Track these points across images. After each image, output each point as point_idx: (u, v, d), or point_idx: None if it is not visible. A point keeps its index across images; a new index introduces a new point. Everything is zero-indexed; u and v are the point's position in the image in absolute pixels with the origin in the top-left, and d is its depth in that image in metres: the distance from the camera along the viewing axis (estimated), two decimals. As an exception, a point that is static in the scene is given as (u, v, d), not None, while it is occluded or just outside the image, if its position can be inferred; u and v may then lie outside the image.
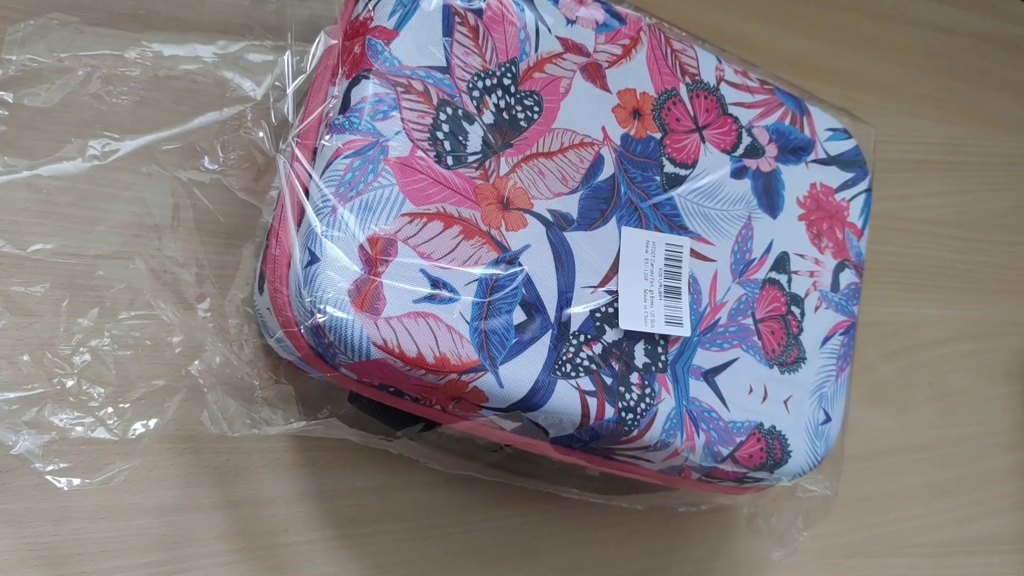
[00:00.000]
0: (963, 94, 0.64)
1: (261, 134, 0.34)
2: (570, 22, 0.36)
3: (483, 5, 0.34)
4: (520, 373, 0.33)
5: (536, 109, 0.35)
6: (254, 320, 0.34)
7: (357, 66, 0.32)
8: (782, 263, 0.41)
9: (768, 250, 0.40)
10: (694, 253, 0.38)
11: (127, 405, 0.32)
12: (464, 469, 0.39)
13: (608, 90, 0.37)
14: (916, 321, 0.59)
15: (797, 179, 0.42)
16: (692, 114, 0.39)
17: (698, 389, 0.37)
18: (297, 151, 0.32)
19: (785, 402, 0.40)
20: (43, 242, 0.33)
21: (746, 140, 0.40)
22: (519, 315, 0.33)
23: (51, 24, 0.33)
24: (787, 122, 0.42)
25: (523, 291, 0.33)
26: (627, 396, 0.35)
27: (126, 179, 0.34)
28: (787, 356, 0.40)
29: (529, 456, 0.39)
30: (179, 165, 0.34)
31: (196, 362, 0.33)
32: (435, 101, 0.33)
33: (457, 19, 0.34)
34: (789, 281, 0.41)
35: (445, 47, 0.33)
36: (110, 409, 0.32)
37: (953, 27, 0.64)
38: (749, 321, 0.39)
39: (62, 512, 0.33)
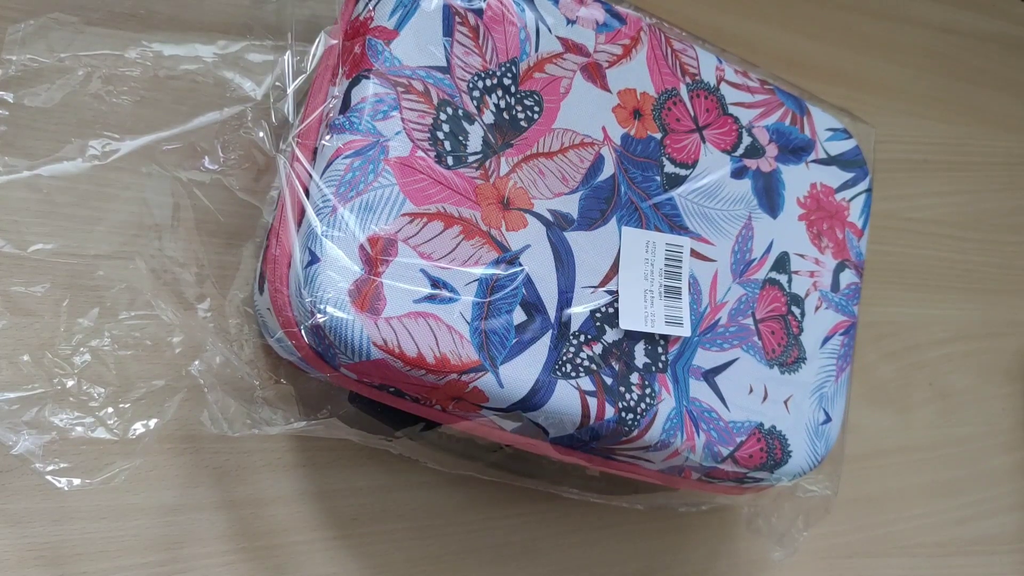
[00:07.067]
0: (963, 94, 0.64)
1: (261, 134, 0.34)
2: (570, 22, 0.36)
3: (483, 5, 0.34)
4: (520, 373, 0.33)
5: (536, 109, 0.35)
6: (254, 320, 0.34)
7: (357, 66, 0.32)
8: (782, 263, 0.41)
9: (768, 250, 0.40)
10: (694, 253, 0.38)
11: (127, 405, 0.32)
12: (464, 469, 0.39)
13: (608, 90, 0.37)
14: (916, 321, 0.59)
15: (797, 179, 0.42)
16: (692, 114, 0.39)
17: (698, 389, 0.37)
18: (297, 151, 0.32)
19: (785, 402, 0.40)
20: (43, 242, 0.33)
21: (746, 140, 0.40)
22: (519, 315, 0.33)
23: (51, 24, 0.33)
24: (787, 122, 0.42)
25: (523, 291, 0.33)
26: (627, 396, 0.35)
27: (126, 179, 0.34)
28: (787, 356, 0.40)
29: (529, 456, 0.39)
30: (179, 165, 0.34)
31: (196, 362, 0.33)
32: (435, 101, 0.33)
33: (457, 19, 0.34)
34: (789, 281, 0.41)
35: (445, 47, 0.33)
36: (110, 409, 0.32)
37: (953, 27, 0.64)
38: (749, 321, 0.39)
39: (62, 512, 0.33)
